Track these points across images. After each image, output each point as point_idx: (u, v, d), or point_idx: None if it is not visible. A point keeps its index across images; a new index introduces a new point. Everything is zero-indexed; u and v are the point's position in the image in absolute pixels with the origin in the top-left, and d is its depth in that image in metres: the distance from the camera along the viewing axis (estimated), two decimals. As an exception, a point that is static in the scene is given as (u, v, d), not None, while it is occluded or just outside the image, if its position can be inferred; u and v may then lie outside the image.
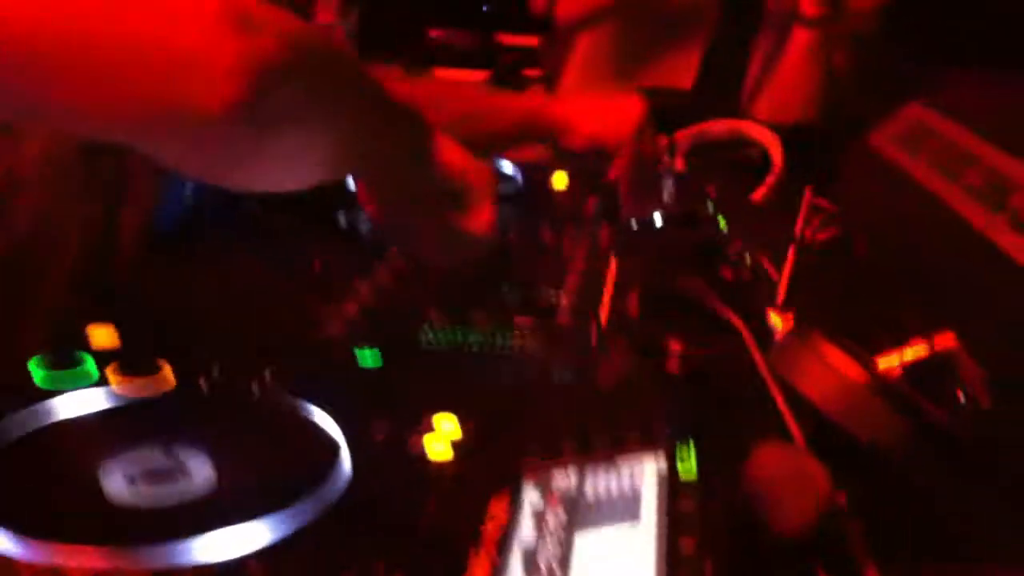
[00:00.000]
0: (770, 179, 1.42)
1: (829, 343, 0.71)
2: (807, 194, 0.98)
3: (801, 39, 1.75)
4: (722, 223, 1.05)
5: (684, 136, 1.59)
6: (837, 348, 0.71)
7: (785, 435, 0.71)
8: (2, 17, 0.46)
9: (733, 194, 1.17)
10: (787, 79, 1.82)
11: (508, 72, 3.50)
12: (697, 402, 0.74)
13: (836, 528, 0.62)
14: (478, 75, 3.26)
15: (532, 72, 3.36)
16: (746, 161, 1.55)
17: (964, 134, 0.94)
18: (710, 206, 1.08)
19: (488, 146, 1.15)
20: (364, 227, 1.02)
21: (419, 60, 3.18)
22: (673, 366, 0.78)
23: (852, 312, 0.93)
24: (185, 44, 0.50)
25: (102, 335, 0.75)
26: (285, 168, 0.59)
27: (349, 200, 0.87)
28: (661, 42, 1.94)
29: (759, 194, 1.40)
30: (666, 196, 1.12)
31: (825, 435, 0.70)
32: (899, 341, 0.81)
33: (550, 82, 2.23)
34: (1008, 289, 0.80)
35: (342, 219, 1.03)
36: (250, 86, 0.52)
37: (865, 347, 0.80)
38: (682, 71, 1.93)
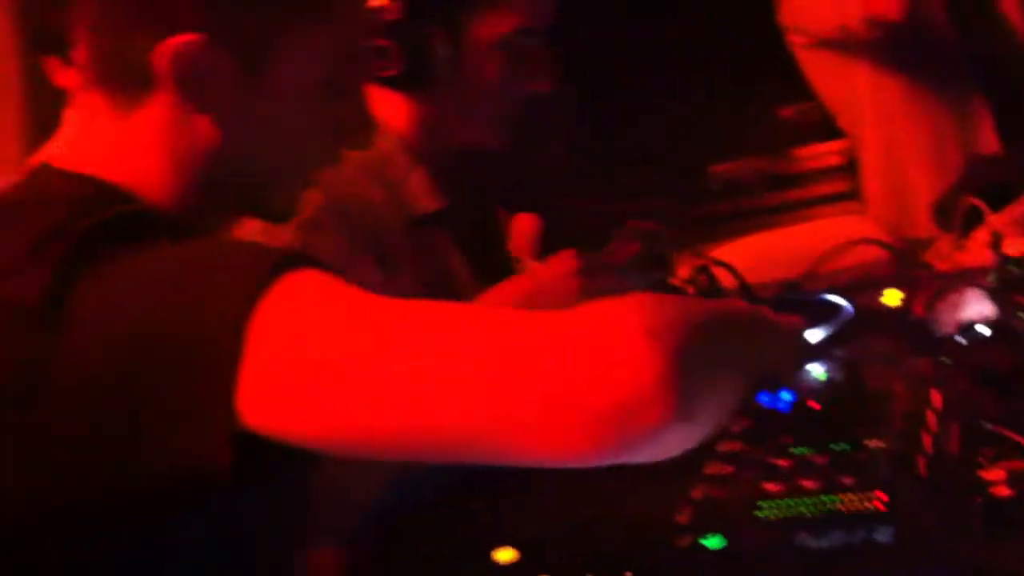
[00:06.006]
0: None
1: None
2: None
3: None
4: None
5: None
6: None
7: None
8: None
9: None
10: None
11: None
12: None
13: None
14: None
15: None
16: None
17: None
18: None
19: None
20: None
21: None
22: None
23: None
24: (624, 392, 0.58)
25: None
26: (708, 424, 0.66)
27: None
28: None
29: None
30: (977, 313, 1.15)
31: None
32: None
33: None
34: None
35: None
36: (679, 386, 0.58)
37: None
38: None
